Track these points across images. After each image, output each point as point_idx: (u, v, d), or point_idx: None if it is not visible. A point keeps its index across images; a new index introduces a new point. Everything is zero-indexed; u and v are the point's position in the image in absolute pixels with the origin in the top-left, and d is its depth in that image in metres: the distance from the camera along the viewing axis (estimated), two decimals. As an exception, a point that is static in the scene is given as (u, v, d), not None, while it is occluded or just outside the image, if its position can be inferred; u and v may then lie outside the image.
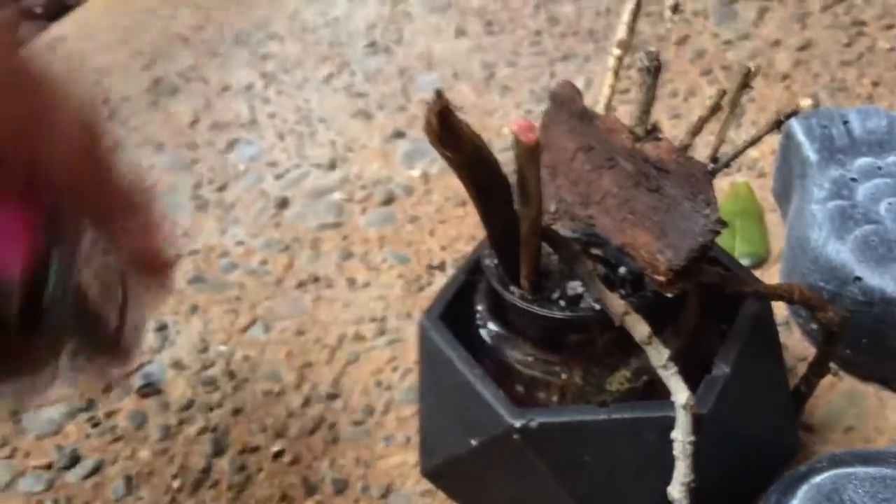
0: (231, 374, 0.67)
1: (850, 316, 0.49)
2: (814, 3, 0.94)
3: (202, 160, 0.88)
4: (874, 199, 0.60)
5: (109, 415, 0.66)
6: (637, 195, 0.45)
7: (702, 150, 0.52)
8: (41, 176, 0.35)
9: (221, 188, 0.84)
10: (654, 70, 0.48)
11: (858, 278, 0.56)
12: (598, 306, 0.45)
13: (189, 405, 0.66)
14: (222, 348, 0.69)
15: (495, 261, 0.49)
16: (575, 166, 0.48)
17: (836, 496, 0.44)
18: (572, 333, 0.47)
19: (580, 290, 0.48)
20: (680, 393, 0.43)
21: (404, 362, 0.66)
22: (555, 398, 0.49)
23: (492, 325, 0.51)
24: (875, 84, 0.83)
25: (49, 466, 0.64)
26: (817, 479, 0.45)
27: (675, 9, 0.47)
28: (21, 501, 0.62)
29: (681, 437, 0.43)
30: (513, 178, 0.42)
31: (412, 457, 0.60)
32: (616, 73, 0.50)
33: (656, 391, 0.47)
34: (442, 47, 0.97)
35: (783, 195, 0.70)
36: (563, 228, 0.48)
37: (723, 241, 0.52)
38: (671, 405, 0.43)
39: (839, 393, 0.59)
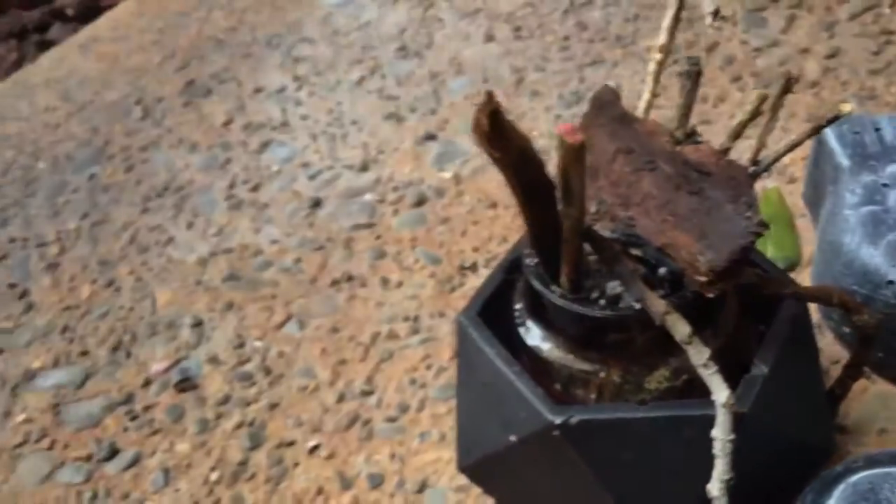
0: (267, 370, 0.68)
1: (885, 319, 0.49)
2: (842, 12, 0.95)
3: (235, 160, 0.89)
4: (907, 204, 0.60)
5: (147, 409, 0.68)
6: (678, 197, 0.46)
7: (734, 154, 0.52)
8: None
9: (255, 188, 0.85)
10: (695, 75, 0.49)
11: (891, 282, 0.57)
12: (638, 306, 0.46)
13: (226, 400, 0.67)
14: (258, 344, 0.71)
15: (535, 260, 0.50)
16: (615, 168, 0.49)
17: (873, 496, 0.45)
18: (612, 332, 0.48)
19: (619, 289, 0.49)
20: (720, 392, 0.43)
21: (438, 361, 0.67)
22: (592, 396, 0.50)
23: (530, 324, 0.52)
24: (905, 92, 0.83)
25: (88, 458, 0.65)
26: (853, 478, 0.46)
27: (716, 14, 0.48)
28: (61, 492, 0.64)
29: (721, 435, 0.44)
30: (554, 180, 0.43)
31: (447, 453, 0.61)
32: (657, 78, 0.50)
33: (695, 390, 0.48)
34: (472, 52, 0.98)
35: (814, 200, 0.71)
36: (603, 229, 0.49)
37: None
38: (711, 404, 0.44)
39: (872, 395, 0.60)
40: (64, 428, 0.67)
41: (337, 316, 0.72)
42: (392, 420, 0.63)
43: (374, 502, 0.59)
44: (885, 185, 0.62)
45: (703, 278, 0.44)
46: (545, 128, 0.86)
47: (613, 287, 0.49)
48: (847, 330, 0.62)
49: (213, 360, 0.70)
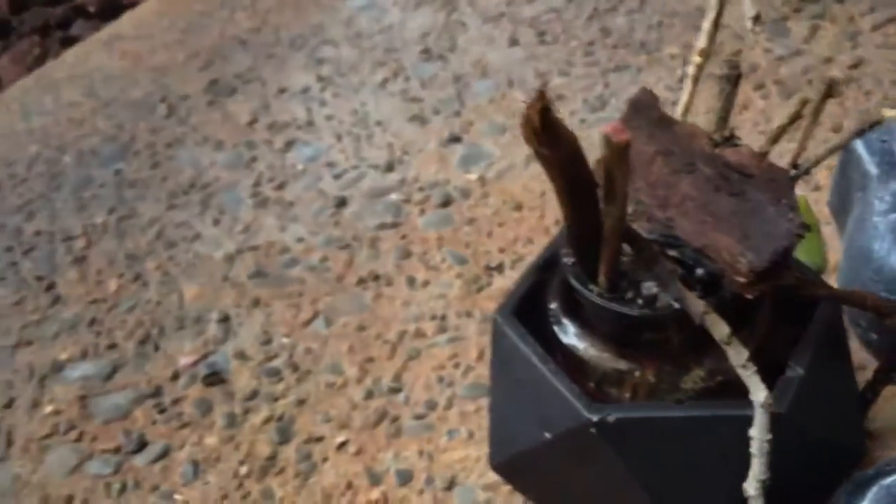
0: (294, 366, 0.69)
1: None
2: (864, 23, 0.95)
3: (261, 159, 0.90)
4: (936, 212, 0.61)
5: (175, 402, 0.68)
6: (718, 199, 0.47)
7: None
8: None
9: (280, 186, 0.86)
10: (735, 78, 0.49)
11: (922, 289, 0.57)
12: (676, 306, 0.47)
13: (254, 395, 0.67)
14: (285, 341, 0.71)
15: (573, 259, 0.50)
16: (653, 170, 0.50)
17: (907, 498, 0.45)
18: (648, 332, 0.48)
19: (654, 289, 0.49)
20: (759, 392, 0.44)
21: (466, 359, 0.67)
22: (627, 395, 0.50)
23: (566, 322, 0.52)
24: (928, 102, 0.84)
25: (117, 450, 0.65)
26: (887, 481, 0.46)
27: (757, 19, 0.48)
28: (89, 483, 0.64)
29: (758, 435, 0.44)
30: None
31: (475, 451, 0.61)
32: (696, 81, 0.51)
33: (729, 391, 0.48)
34: (496, 55, 0.98)
35: (840, 207, 0.71)
36: (640, 229, 0.49)
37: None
38: (747, 404, 0.44)
39: (898, 402, 0.60)
40: (92, 420, 0.68)
41: (364, 314, 0.72)
42: (420, 417, 0.64)
43: (403, 499, 0.60)
44: (914, 193, 0.63)
45: (743, 279, 0.44)
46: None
47: (649, 287, 0.49)
48: (874, 336, 0.62)
49: (241, 356, 0.70)
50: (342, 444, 0.63)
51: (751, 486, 0.44)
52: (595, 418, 0.47)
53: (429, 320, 0.71)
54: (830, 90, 0.45)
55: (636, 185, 0.50)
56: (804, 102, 0.46)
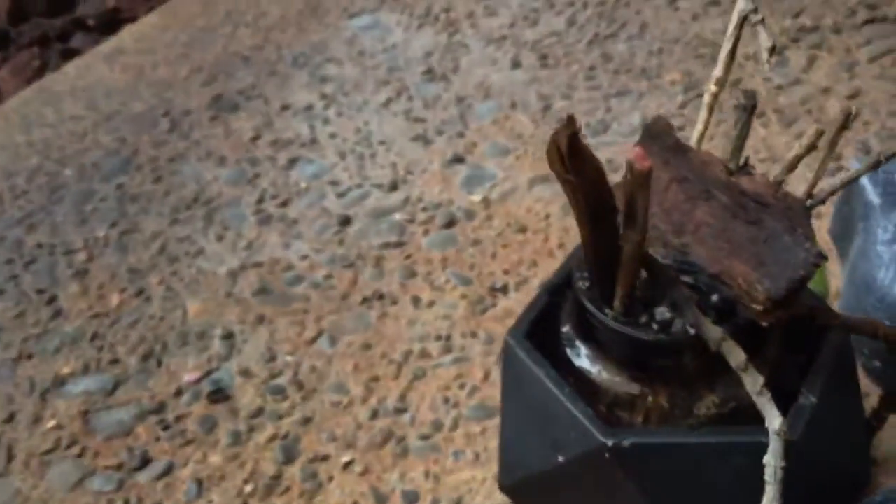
0: (299, 385, 0.69)
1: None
2: (861, 54, 0.97)
3: (264, 175, 0.90)
4: (939, 243, 0.62)
5: (179, 419, 0.68)
6: (734, 226, 0.47)
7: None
8: None
9: (284, 203, 0.86)
10: (751, 108, 0.50)
11: (926, 319, 0.58)
12: (692, 331, 0.47)
13: (258, 412, 0.67)
14: (289, 359, 0.71)
15: (588, 283, 0.50)
16: (669, 196, 0.50)
17: (917, 526, 0.45)
18: (663, 357, 0.49)
19: (668, 315, 0.50)
20: (774, 419, 0.44)
21: (471, 380, 0.67)
22: (639, 419, 0.51)
23: (579, 345, 0.52)
24: (925, 134, 0.85)
25: (119, 467, 0.65)
26: (896, 508, 0.47)
27: (773, 51, 0.49)
28: (91, 500, 0.64)
29: (773, 461, 0.44)
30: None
31: (481, 472, 0.61)
32: (711, 110, 0.52)
33: (740, 418, 0.49)
34: (498, 77, 0.99)
35: (841, 236, 0.72)
36: (655, 255, 0.50)
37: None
38: (761, 431, 0.45)
39: (900, 430, 0.61)
40: (94, 435, 0.67)
41: (368, 333, 0.72)
42: (426, 438, 0.64)
43: (409, 519, 0.60)
44: (917, 224, 0.64)
45: (760, 307, 0.45)
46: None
47: (662, 312, 0.50)
48: (877, 364, 0.63)
49: (245, 373, 0.70)
50: (348, 464, 0.63)
51: (764, 513, 0.44)
52: (610, 443, 0.47)
53: (434, 340, 0.71)
54: (846, 121, 0.46)
55: (651, 210, 0.50)
56: (820, 133, 0.47)
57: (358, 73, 1.03)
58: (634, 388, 0.50)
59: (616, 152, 0.86)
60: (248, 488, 0.62)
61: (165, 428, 0.67)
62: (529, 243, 0.78)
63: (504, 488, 0.55)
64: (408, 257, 0.79)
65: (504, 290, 0.74)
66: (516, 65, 1.01)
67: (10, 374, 0.72)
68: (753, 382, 0.45)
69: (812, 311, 0.48)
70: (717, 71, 0.51)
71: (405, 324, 0.72)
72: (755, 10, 0.50)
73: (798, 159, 0.48)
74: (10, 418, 0.69)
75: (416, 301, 0.74)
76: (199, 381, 0.70)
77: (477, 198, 0.84)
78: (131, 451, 0.66)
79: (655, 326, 0.49)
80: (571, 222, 0.79)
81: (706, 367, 0.49)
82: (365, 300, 0.75)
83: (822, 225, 0.77)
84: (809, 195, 0.48)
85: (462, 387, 0.67)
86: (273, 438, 0.65)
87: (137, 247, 0.83)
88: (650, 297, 0.51)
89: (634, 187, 0.43)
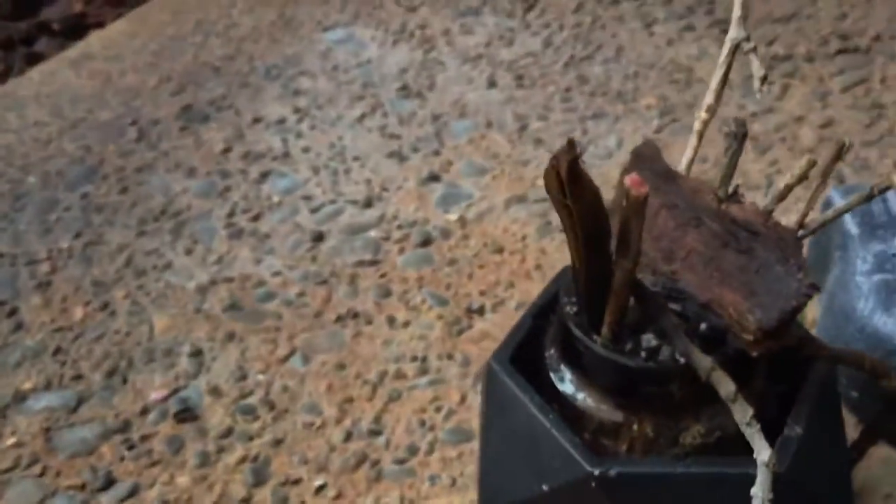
0: (270, 405, 0.67)
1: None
2: (834, 84, 0.98)
3: (235, 188, 0.88)
4: (916, 274, 0.62)
5: (145, 438, 0.66)
6: (725, 254, 0.47)
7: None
8: None
9: (255, 218, 0.84)
10: (742, 136, 0.50)
11: (905, 350, 0.58)
12: (681, 360, 0.47)
13: (228, 433, 0.65)
14: (260, 377, 0.69)
15: (575, 308, 0.50)
16: (658, 223, 0.50)
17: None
18: (650, 385, 0.48)
19: (654, 342, 0.49)
20: (763, 451, 0.44)
21: (447, 403, 0.66)
22: (623, 447, 0.50)
23: (563, 370, 0.51)
24: (896, 165, 0.86)
25: (83, 487, 0.63)
26: (882, 542, 0.46)
27: (765, 80, 0.49)
28: (51, 521, 0.61)
29: (760, 493, 0.44)
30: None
31: (458, 498, 0.60)
32: (701, 137, 0.51)
33: (726, 448, 0.48)
34: (474, 96, 0.99)
35: (817, 265, 0.73)
36: (644, 282, 0.49)
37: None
38: (748, 462, 0.44)
39: (876, 460, 0.61)
40: (56, 454, 0.65)
41: (343, 352, 0.71)
42: (401, 462, 0.63)
43: (384, 546, 0.58)
44: (894, 255, 0.64)
45: (751, 336, 0.44)
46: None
47: (648, 339, 0.49)
48: (854, 394, 0.63)
49: (214, 391, 0.68)
50: (320, 488, 0.61)
51: (752, 545, 0.44)
52: (597, 472, 0.46)
53: (409, 361, 0.70)
54: (840, 152, 0.46)
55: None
56: (812, 164, 0.47)
57: (332, 88, 1.02)
58: (619, 416, 0.50)
59: (594, 175, 0.85)
60: (217, 512, 0.60)
61: (131, 447, 0.65)
62: (506, 264, 0.78)
63: (484, 516, 0.54)
64: (383, 276, 0.77)
65: (480, 311, 0.73)
66: (492, 84, 1.01)
67: (-32, 389, 0.70)
68: (742, 413, 0.45)
69: (800, 341, 0.48)
70: (709, 98, 0.51)
71: (380, 344, 0.71)
72: (747, 38, 0.50)
73: (789, 189, 0.48)
74: (-33, 435, 0.66)
75: (391, 321, 0.73)
76: (165, 399, 0.68)
77: (453, 217, 0.83)
78: (95, 471, 0.63)
79: (643, 354, 0.48)
80: (548, 244, 0.79)
81: (693, 397, 0.48)
82: (339, 318, 0.74)
83: (796, 253, 0.77)
84: (800, 226, 0.48)
85: (438, 409, 0.66)
86: (243, 460, 0.63)
87: (103, 259, 0.81)
88: (636, 323, 0.50)
89: (630, 213, 0.42)
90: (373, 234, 0.82)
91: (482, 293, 0.75)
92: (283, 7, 1.17)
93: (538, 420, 0.49)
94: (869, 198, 0.46)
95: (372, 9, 1.16)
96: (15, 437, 0.66)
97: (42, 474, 0.64)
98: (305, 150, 0.93)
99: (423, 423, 0.65)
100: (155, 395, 0.68)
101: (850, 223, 0.68)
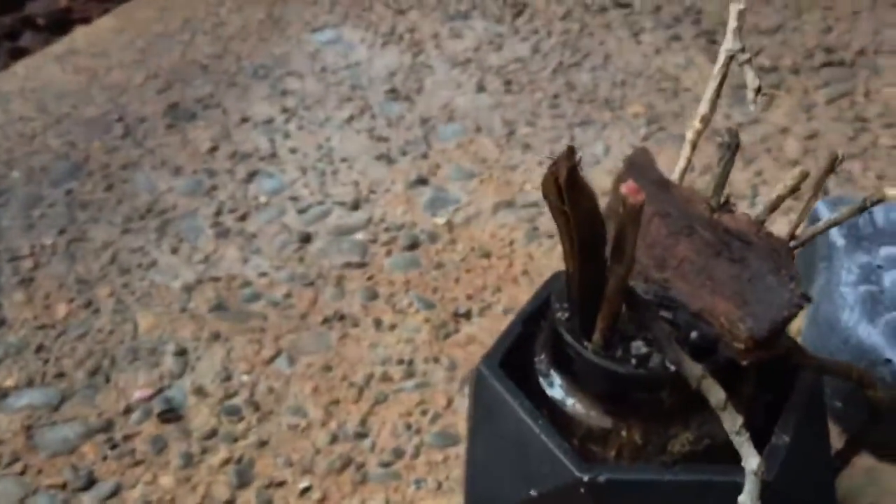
0: (255, 406, 0.67)
1: None
2: (819, 96, 0.99)
3: (221, 188, 0.88)
4: (901, 287, 0.63)
5: (128, 437, 0.65)
6: (717, 263, 0.47)
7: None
8: None
9: (242, 217, 0.84)
10: (734, 147, 0.50)
11: (889, 360, 0.59)
12: (672, 367, 0.47)
13: (212, 434, 0.65)
14: (245, 378, 0.69)
15: (567, 314, 0.50)
16: (651, 230, 0.50)
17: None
18: (640, 392, 0.48)
19: (644, 349, 0.49)
20: (751, 459, 0.44)
21: (434, 406, 0.66)
22: (611, 454, 0.50)
23: (553, 375, 0.52)
24: (880, 177, 0.87)
25: (64, 486, 0.62)
26: (866, 551, 0.47)
27: (758, 92, 0.50)
28: (31, 520, 0.60)
29: (749, 501, 0.44)
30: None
31: (443, 502, 0.60)
32: (694, 146, 0.52)
33: (714, 455, 0.48)
34: (463, 100, 0.99)
35: (802, 276, 0.73)
36: (636, 289, 0.49)
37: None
38: (737, 470, 0.45)
39: (859, 470, 0.61)
40: (37, 452, 0.64)
41: (329, 354, 0.70)
42: (387, 465, 0.62)
43: (369, 549, 0.58)
44: (879, 267, 0.65)
45: (742, 345, 0.44)
46: (538, 181, 0.87)
47: (638, 346, 0.50)
48: (838, 404, 0.63)
49: (199, 392, 0.68)
50: (305, 490, 0.61)
51: (739, 553, 0.44)
52: (586, 478, 0.46)
53: (396, 364, 0.69)
54: (832, 165, 0.46)
55: (632, 244, 0.50)
56: (804, 176, 0.47)
57: (320, 89, 1.01)
58: (608, 423, 0.50)
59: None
60: (201, 513, 0.60)
61: (113, 447, 0.64)
62: (493, 269, 0.78)
63: (471, 521, 0.54)
64: (370, 278, 0.77)
65: (467, 315, 0.73)
66: (481, 89, 1.01)
67: (-53, 385, 0.69)
68: (732, 422, 0.45)
69: (788, 351, 0.49)
70: (703, 108, 0.51)
71: (367, 346, 0.71)
72: (742, 50, 0.50)
73: (781, 200, 0.49)
74: (-54, 432, 0.66)
75: (377, 323, 0.73)
76: (149, 398, 0.67)
77: (441, 220, 0.83)
78: (76, 471, 0.63)
79: (633, 361, 0.48)
80: (535, 249, 0.79)
81: (682, 404, 0.48)
82: (325, 320, 0.73)
83: (781, 263, 0.77)
84: (793, 237, 0.48)
85: (424, 413, 0.66)
86: (227, 461, 0.63)
87: (87, 256, 0.80)
88: (626, 330, 0.51)
89: (626, 221, 0.42)
90: (360, 236, 0.81)
91: (469, 297, 0.75)
92: (271, 7, 1.17)
93: (527, 425, 0.49)
94: (861, 210, 0.46)
95: (361, 11, 1.15)
96: (-4, 435, 0.65)
97: (23, 473, 0.63)
98: (293, 150, 0.92)
99: (409, 427, 0.65)
100: (138, 395, 0.67)
101: (836, 234, 0.68)
